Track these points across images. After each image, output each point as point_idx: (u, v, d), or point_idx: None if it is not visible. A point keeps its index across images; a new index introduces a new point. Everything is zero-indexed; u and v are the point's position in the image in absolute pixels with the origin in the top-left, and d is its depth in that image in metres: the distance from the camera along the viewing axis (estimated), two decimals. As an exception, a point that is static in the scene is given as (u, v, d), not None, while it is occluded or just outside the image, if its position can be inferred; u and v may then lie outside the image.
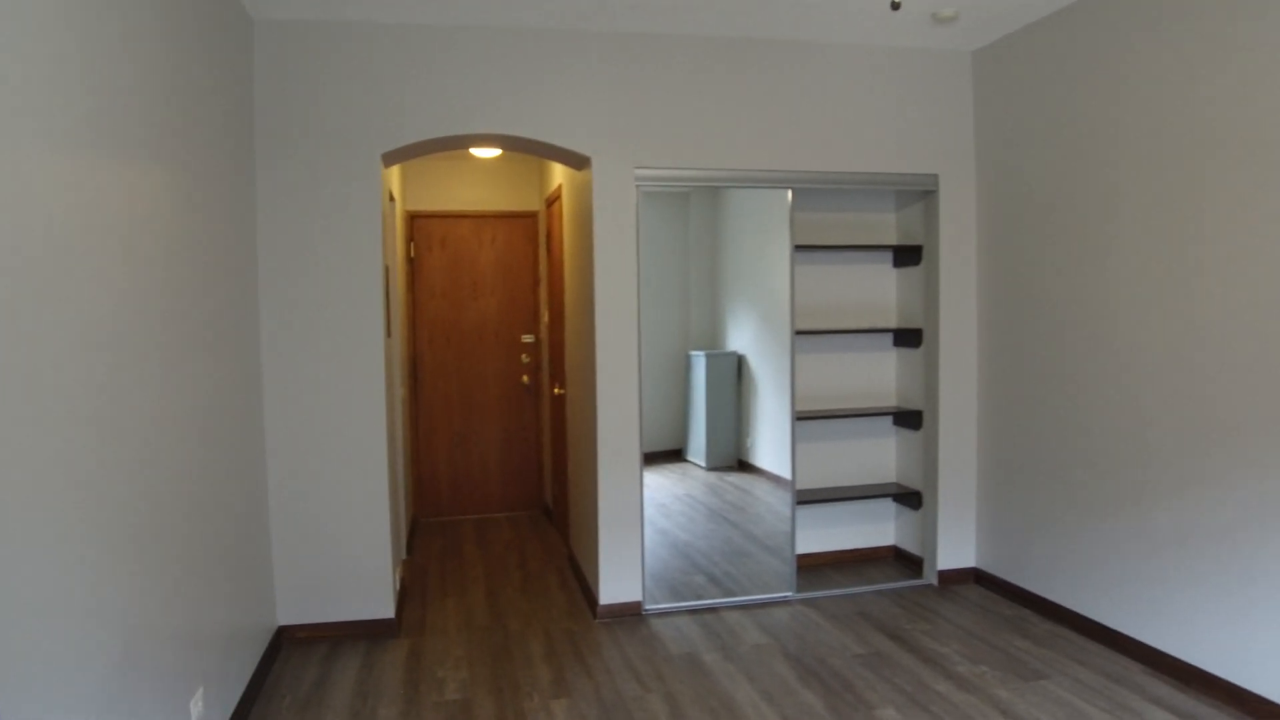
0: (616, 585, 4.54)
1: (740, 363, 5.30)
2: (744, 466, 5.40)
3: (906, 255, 5.11)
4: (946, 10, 4.23)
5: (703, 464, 5.39)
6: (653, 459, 5.13)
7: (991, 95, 4.74)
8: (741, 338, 5.26)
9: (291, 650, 4.15)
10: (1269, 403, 3.27)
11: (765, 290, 4.96)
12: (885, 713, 3.42)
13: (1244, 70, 3.33)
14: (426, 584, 5.17)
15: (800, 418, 4.93)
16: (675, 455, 5.51)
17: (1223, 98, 3.42)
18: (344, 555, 4.28)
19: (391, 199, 5.36)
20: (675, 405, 5.41)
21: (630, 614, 4.54)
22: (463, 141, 4.56)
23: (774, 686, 3.67)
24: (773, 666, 3.87)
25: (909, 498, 5.09)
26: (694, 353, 5.28)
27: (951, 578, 4.94)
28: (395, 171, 5.74)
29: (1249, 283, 3.34)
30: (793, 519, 4.82)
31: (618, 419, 4.52)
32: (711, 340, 5.33)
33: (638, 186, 4.51)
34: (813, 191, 4.82)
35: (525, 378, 6.86)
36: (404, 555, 5.57)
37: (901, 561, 5.25)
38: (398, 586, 4.68)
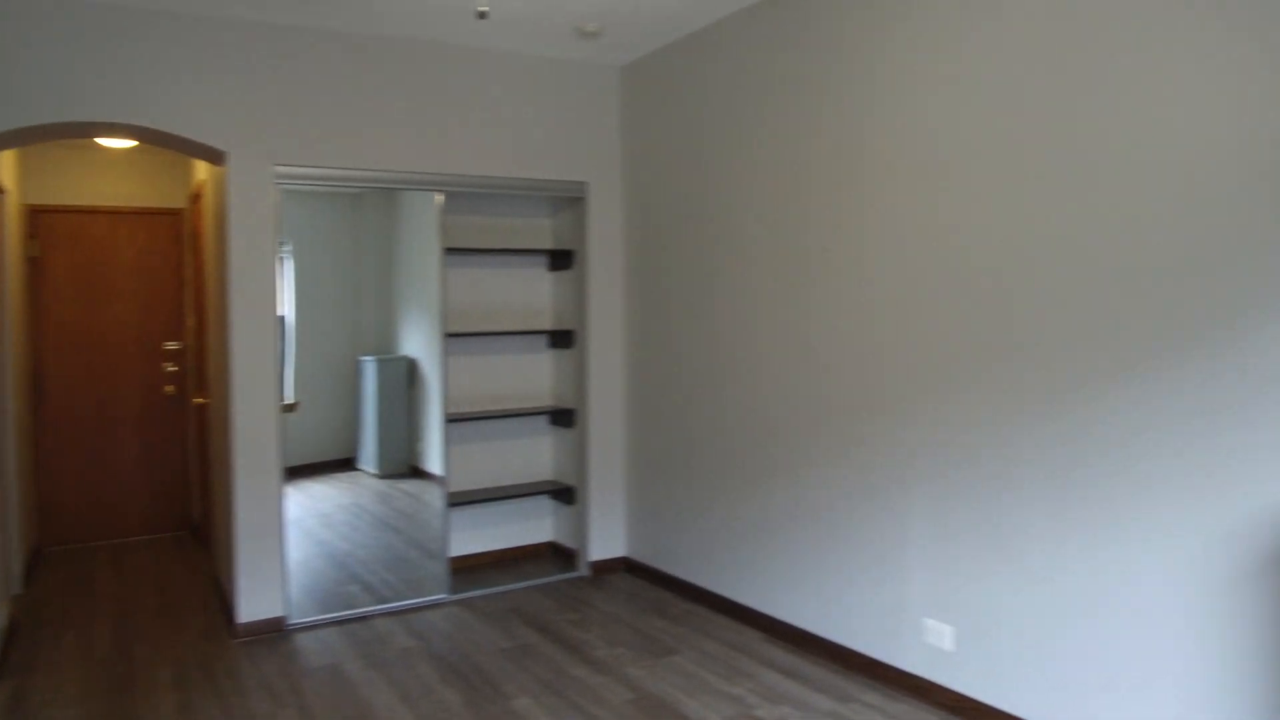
0: (257, 602, 4.32)
1: (412, 367, 5.22)
2: (417, 473, 5.32)
3: (560, 259, 5.28)
4: (590, 25, 4.42)
5: (374, 472, 5.25)
6: (321, 469, 4.94)
7: (637, 108, 5.02)
8: (414, 342, 5.19)
9: None
10: (863, 396, 3.70)
11: (435, 294, 4.94)
12: (520, 702, 3.50)
13: (850, 100, 3.76)
14: (43, 619, 4.65)
15: (457, 419, 4.95)
16: (346, 464, 5.32)
17: (834, 122, 3.84)
18: (-76, 591, 3.75)
19: (1, 190, 4.78)
20: (345, 412, 5.23)
21: (273, 630, 4.34)
22: (83, 130, 4.16)
23: (415, 688, 3.65)
24: (416, 669, 3.85)
25: (564, 494, 5.25)
26: (364, 358, 5.13)
27: (604, 568, 5.16)
28: (7, 159, 5.12)
29: (851, 286, 3.77)
30: (445, 521, 4.82)
31: (256, 428, 4.30)
32: (384, 345, 5.22)
33: (278, 185, 4.33)
34: (469, 195, 4.86)
35: (170, 387, 6.36)
36: (15, 590, 4.98)
37: (558, 556, 5.41)
38: (4, 625, 4.18)
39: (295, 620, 4.41)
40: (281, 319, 4.43)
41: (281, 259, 4.48)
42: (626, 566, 5.22)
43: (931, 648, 3.44)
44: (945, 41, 3.29)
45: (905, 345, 3.49)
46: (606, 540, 5.18)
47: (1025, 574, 3.10)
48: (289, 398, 4.70)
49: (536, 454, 5.43)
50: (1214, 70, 2.55)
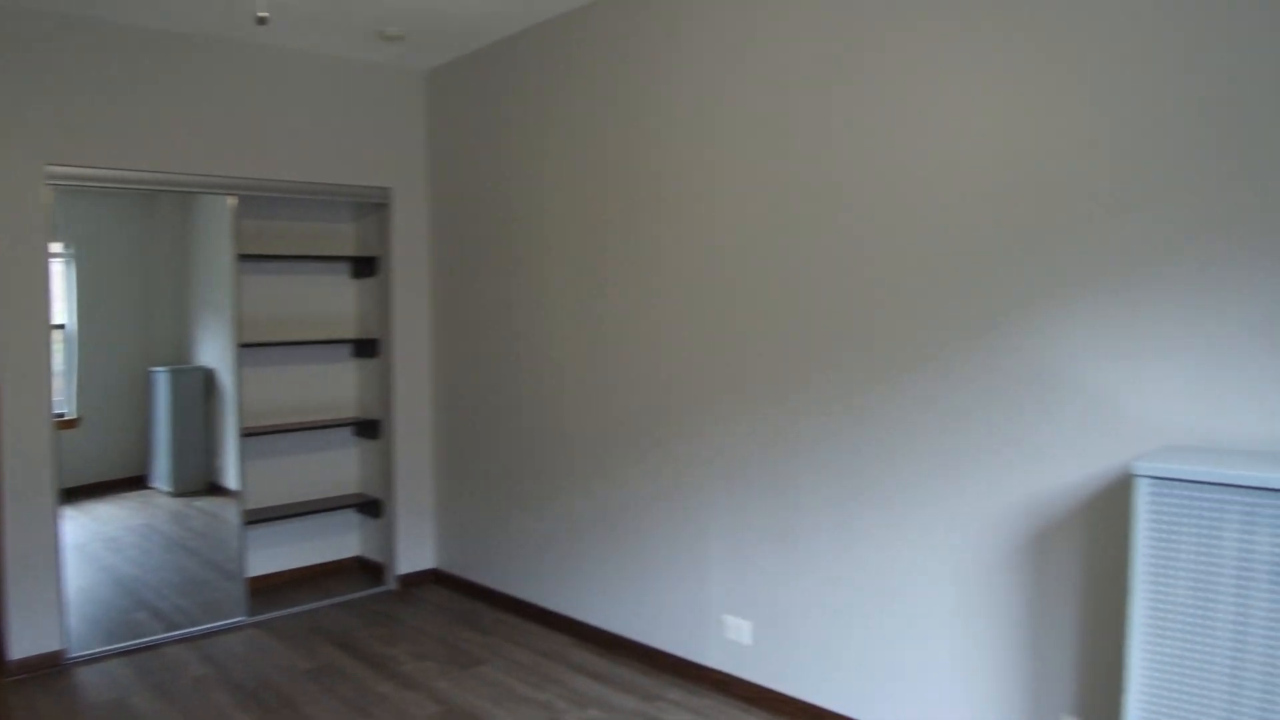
0: (31, 636, 4.00)
1: (209, 378, 4.95)
2: (215, 490, 5.05)
3: (364, 266, 5.16)
4: (392, 28, 4.35)
5: (168, 490, 4.95)
6: (108, 488, 4.61)
7: (443, 113, 4.98)
8: (211, 352, 4.92)
9: None
10: (662, 402, 3.82)
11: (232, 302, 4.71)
12: (323, 724, 3.41)
13: (641, 112, 3.87)
14: None
15: (255, 433, 4.75)
16: (137, 482, 4.99)
17: (627, 134, 3.94)
18: None
19: None
20: (135, 427, 4.90)
21: (49, 666, 4.03)
22: None
23: (207, 718, 3.48)
24: (210, 697, 3.67)
25: (371, 506, 5.14)
26: (156, 369, 4.83)
27: (412, 581, 5.08)
28: None
29: (645, 295, 3.88)
30: (242, 540, 4.62)
31: (26, 446, 3.98)
32: (178, 355, 4.92)
33: (51, 186, 4.02)
34: (266, 200, 4.68)
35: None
36: None
37: (365, 571, 5.28)
38: None
39: (76, 654, 4.11)
40: (60, 328, 4.13)
41: (61, 263, 4.17)
42: (436, 578, 5.16)
43: (732, 643, 3.59)
44: (729, 58, 3.45)
45: (699, 351, 3.63)
46: (415, 552, 5.10)
47: (816, 568, 3.30)
48: (70, 412, 4.38)
49: (341, 467, 5.28)
50: (980, 90, 2.80)
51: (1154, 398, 2.47)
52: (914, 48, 2.92)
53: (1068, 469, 2.65)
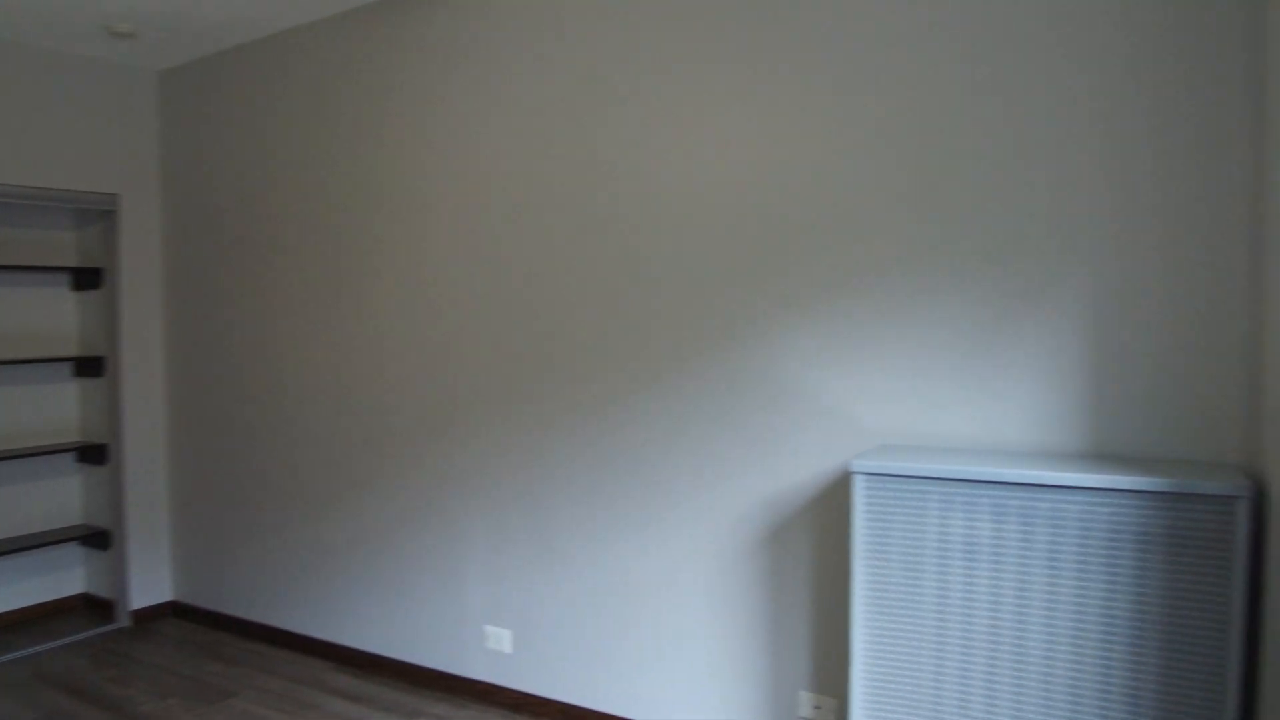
0: None
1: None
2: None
3: (88, 278, 4.77)
4: (122, 25, 4.07)
5: None
6: None
7: (179, 117, 4.69)
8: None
9: None
10: (418, 418, 3.80)
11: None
12: (50, 776, 3.14)
13: (385, 124, 3.84)
14: None
15: (-45, 463, 4.26)
16: None
17: (373, 145, 3.90)
18: None
19: None
20: None
21: None
22: None
23: (-93, 783, 3.11)
24: (-91, 760, 3.28)
25: (98, 538, 4.73)
26: None
27: (148, 615, 4.74)
28: None
29: (396, 310, 3.85)
30: (-54, 582, 4.14)
31: None
32: None
33: None
34: (-38, 204, 4.22)
35: None
36: None
37: (93, 608, 4.87)
38: None
39: None
40: None
41: None
42: (175, 611, 4.83)
43: (493, 652, 3.64)
44: (484, 76, 3.52)
45: (452, 367, 3.66)
46: (150, 585, 4.76)
47: (570, 574, 3.41)
48: None
49: (62, 496, 4.83)
50: (729, 131, 3.03)
51: (873, 404, 2.78)
52: (662, 85, 3.13)
53: (799, 468, 2.92)
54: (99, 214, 4.67)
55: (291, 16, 4.01)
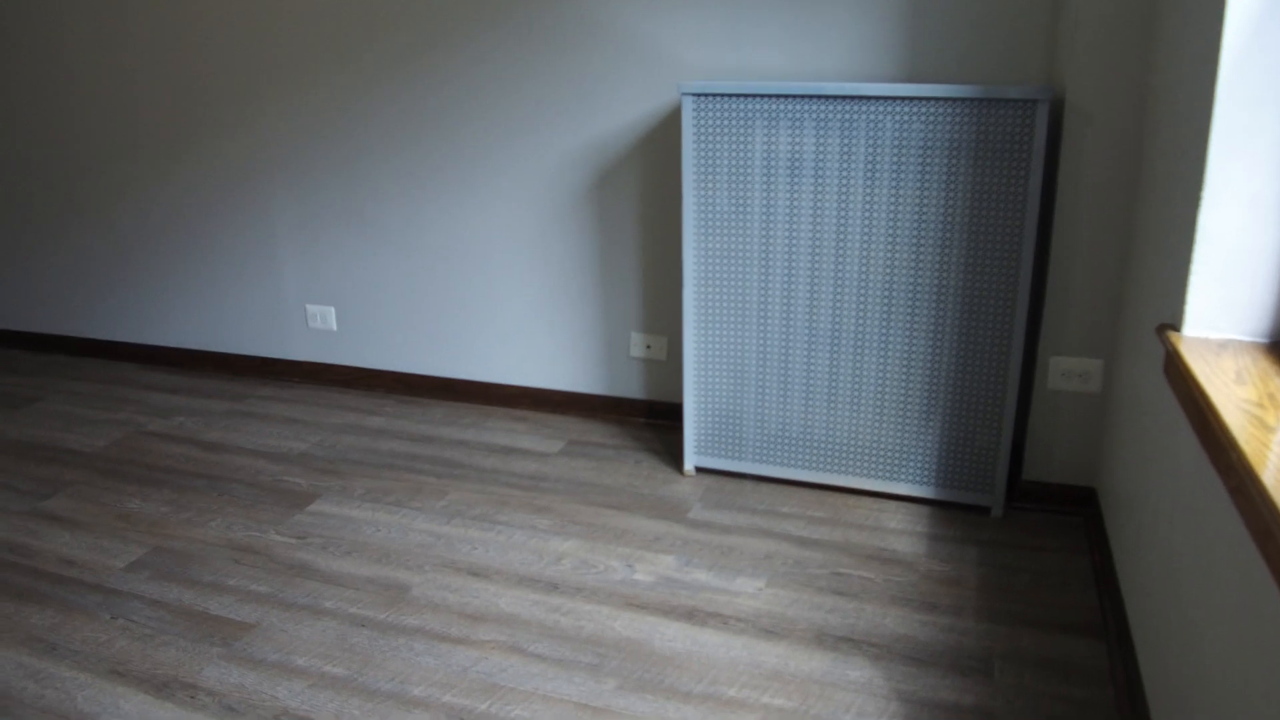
0: None
1: None
2: None
3: None
4: None
5: None
6: None
7: None
8: None
9: None
10: (192, 102, 3.43)
11: None
12: None
13: None
14: None
15: None
16: None
17: None
18: None
19: None
20: None
21: None
22: None
23: None
24: None
25: None
26: None
27: (-79, 337, 4.34)
28: None
29: (154, -37, 3.36)
30: None
31: None
32: None
33: None
34: None
35: None
36: None
37: None
38: None
39: None
40: None
41: None
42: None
43: (318, 331, 3.56)
44: None
45: (237, 27, 3.29)
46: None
47: (393, 246, 3.31)
48: None
49: None
50: None
51: (694, 45, 2.71)
52: None
53: (624, 110, 2.86)
54: None
55: None
